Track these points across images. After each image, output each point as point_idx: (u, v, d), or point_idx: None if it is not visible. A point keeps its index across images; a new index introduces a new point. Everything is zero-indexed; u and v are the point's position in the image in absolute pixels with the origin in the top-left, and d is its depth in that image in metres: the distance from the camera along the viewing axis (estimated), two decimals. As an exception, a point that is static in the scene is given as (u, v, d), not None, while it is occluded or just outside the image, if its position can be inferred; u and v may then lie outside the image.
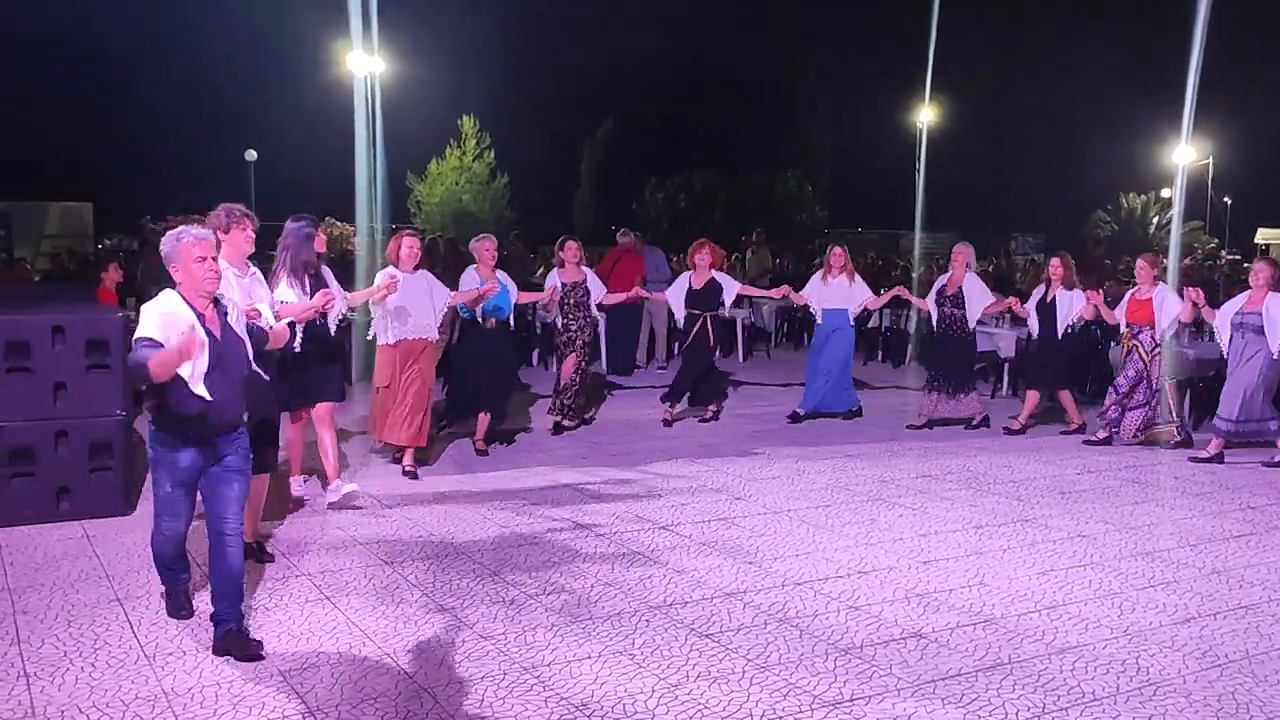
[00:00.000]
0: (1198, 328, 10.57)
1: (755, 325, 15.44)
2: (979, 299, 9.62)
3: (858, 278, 10.10)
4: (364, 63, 19.48)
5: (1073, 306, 9.39)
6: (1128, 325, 9.09)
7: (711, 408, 9.97)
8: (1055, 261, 9.71)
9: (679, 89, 46.69)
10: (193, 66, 39.75)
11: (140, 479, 6.53)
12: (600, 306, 9.41)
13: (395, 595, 5.05)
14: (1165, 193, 43.61)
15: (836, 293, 9.94)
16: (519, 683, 4.12)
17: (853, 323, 10.23)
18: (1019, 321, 11.95)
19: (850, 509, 6.87)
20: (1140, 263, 9.31)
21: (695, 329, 9.61)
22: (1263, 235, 37.71)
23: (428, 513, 6.56)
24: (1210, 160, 41.90)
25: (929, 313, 10.13)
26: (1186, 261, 28.58)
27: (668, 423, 9.60)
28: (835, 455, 8.50)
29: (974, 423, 9.72)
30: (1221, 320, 8.55)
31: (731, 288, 9.75)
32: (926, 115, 28.49)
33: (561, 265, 9.29)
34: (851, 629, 4.75)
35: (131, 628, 4.62)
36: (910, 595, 5.22)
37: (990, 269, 17.81)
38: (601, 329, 10.21)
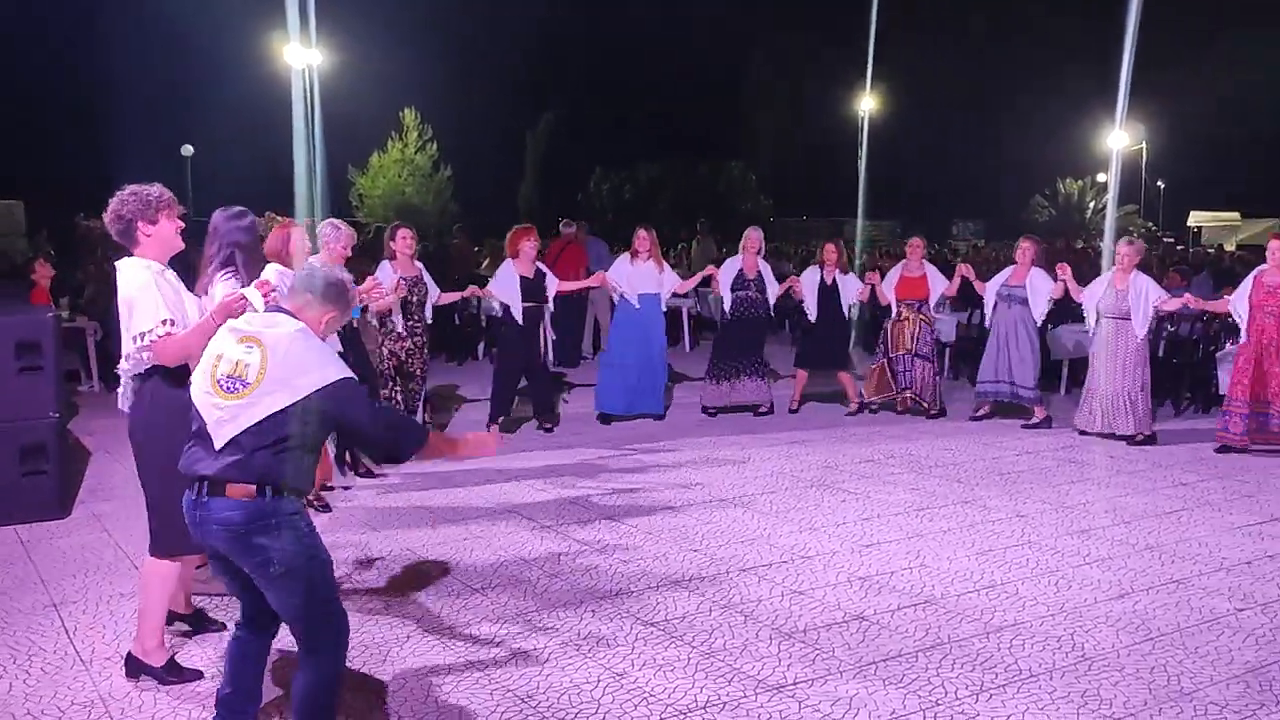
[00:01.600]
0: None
1: (701, 314, 15.51)
2: (772, 286, 9.63)
3: (666, 264, 9.55)
4: (301, 55, 19.20)
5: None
6: (899, 301, 9.55)
7: (546, 424, 9.00)
8: (829, 247, 9.80)
9: (623, 80, 46.72)
10: (125, 61, 38.90)
11: (75, 483, 6.41)
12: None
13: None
14: (1101, 177, 44.41)
15: (646, 277, 9.27)
16: (465, 676, 4.11)
17: (664, 308, 9.63)
18: (961, 306, 12.15)
19: (795, 495, 6.93)
20: (914, 240, 10.03)
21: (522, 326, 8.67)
22: (1194, 217, 38.61)
23: (368, 508, 6.51)
24: (1144, 145, 42.78)
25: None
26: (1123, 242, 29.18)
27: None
28: (781, 443, 8.57)
29: (760, 410, 9.59)
30: (989, 292, 9.41)
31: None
32: (868, 104, 28.72)
33: (393, 257, 7.94)
34: (795, 613, 4.81)
35: (67, 633, 4.54)
36: (853, 578, 5.29)
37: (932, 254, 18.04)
38: (548, 321, 10.06)
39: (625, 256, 9.49)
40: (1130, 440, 8.54)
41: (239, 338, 3.21)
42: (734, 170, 43.55)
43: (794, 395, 9.99)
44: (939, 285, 9.69)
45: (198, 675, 4.09)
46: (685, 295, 13.07)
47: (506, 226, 9.75)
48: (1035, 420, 9.20)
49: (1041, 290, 9.09)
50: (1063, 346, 10.73)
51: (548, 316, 9.21)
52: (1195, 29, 41.17)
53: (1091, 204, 45.97)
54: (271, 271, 6.09)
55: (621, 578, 5.27)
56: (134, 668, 4.07)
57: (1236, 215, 39.37)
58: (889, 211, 39.82)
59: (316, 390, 3.11)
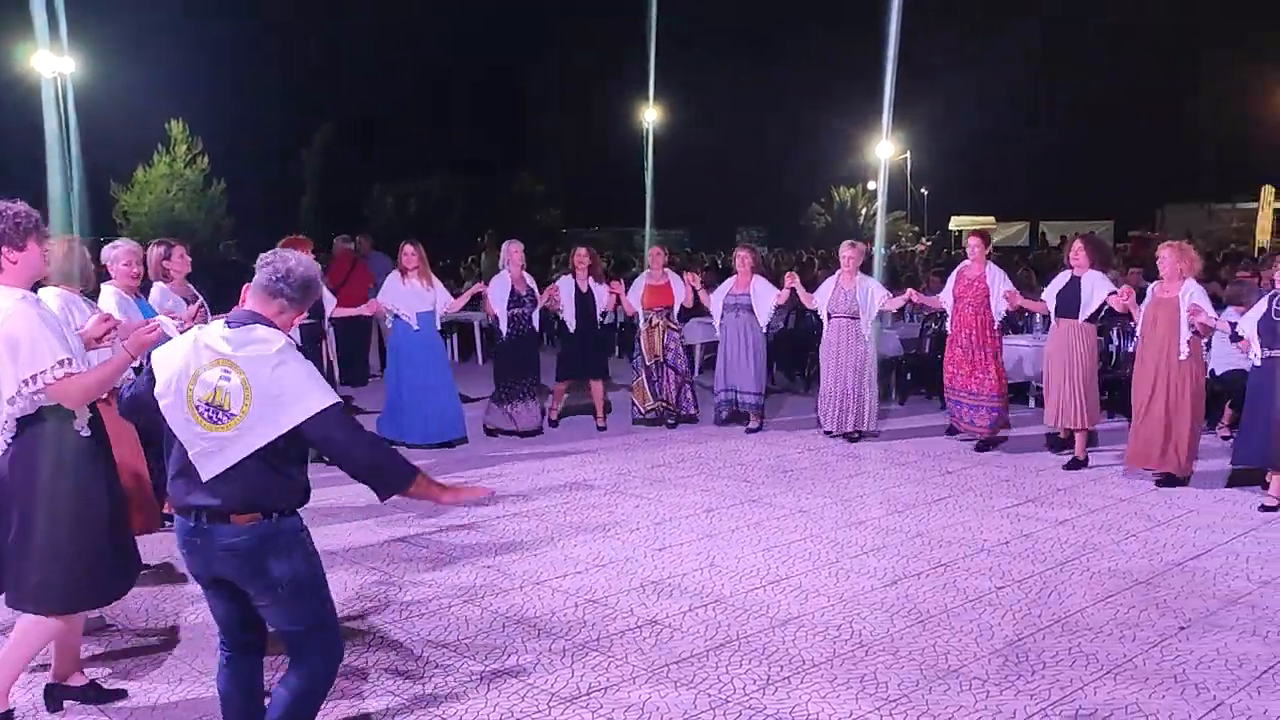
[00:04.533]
0: (901, 311, 11.41)
1: (494, 327, 15.34)
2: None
3: (435, 280, 9.04)
4: (51, 62, 17.87)
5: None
6: (645, 310, 9.64)
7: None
8: (580, 253, 9.80)
9: (406, 90, 45.83)
10: None
11: None
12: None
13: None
14: (872, 185, 46.91)
15: (420, 294, 8.77)
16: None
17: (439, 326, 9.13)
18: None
19: (589, 504, 6.96)
20: (654, 250, 10.13)
21: None
22: (956, 222, 41.31)
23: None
24: (908, 155, 45.50)
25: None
26: (894, 249, 30.88)
27: None
28: (575, 453, 8.59)
29: (526, 430, 9.20)
30: (715, 302, 9.63)
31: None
32: (652, 115, 29.34)
33: (168, 278, 6.96)
34: (589, 622, 4.82)
35: None
36: (645, 583, 5.36)
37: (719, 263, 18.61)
38: (331, 339, 9.61)
39: (395, 275, 8.96)
40: (849, 437, 8.95)
41: (213, 359, 2.99)
42: (523, 181, 43.52)
43: (553, 406, 9.81)
44: (681, 293, 9.77)
45: None
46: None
47: (281, 240, 9.27)
48: (753, 425, 9.42)
49: (764, 297, 9.38)
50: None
51: (331, 335, 8.83)
52: (950, 50, 44.28)
53: (864, 210, 48.48)
54: (109, 297, 5.67)
55: (411, 598, 5.14)
56: None
57: (992, 218, 42.45)
58: (677, 221, 40.76)
59: (304, 421, 2.97)
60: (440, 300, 8.98)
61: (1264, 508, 6.70)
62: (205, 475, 2.98)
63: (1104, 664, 4.31)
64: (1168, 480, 7.29)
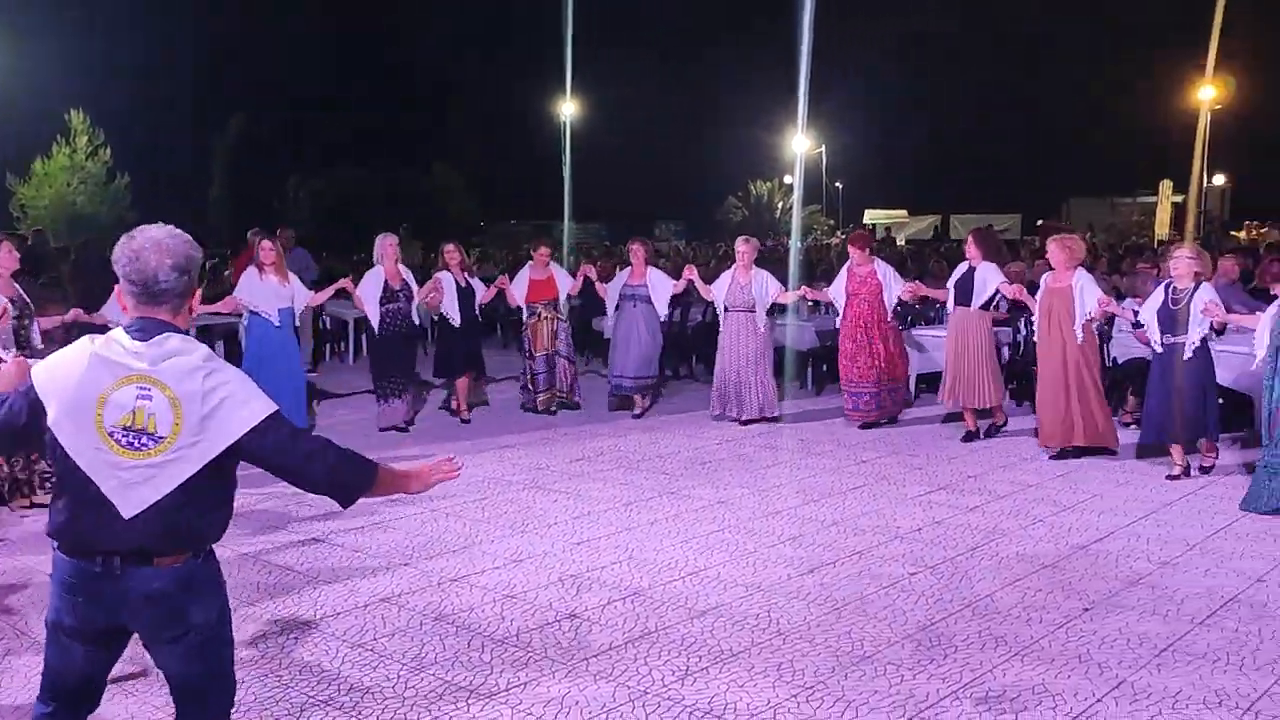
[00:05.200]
0: (817, 304, 11.53)
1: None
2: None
3: (293, 277, 8.84)
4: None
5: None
6: (530, 304, 9.74)
7: None
8: (448, 249, 9.70)
9: (320, 81, 44.99)
10: None
11: None
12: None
13: None
14: (788, 179, 47.47)
15: (278, 291, 8.55)
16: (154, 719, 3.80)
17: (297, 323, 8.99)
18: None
19: (507, 499, 6.92)
20: (537, 243, 10.27)
21: None
22: (869, 215, 42.04)
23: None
24: (823, 149, 46.15)
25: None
26: (809, 241, 31.23)
27: None
28: (491, 447, 8.53)
29: (400, 426, 9.09)
30: (610, 293, 10.01)
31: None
32: (569, 109, 29.24)
33: None
34: (507, 618, 4.79)
35: None
36: (564, 577, 5.35)
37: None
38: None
39: (252, 271, 8.59)
40: (741, 421, 9.25)
41: (124, 376, 2.52)
42: (441, 174, 43.07)
43: (458, 403, 9.64)
44: (566, 284, 9.93)
45: None
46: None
47: (194, 236, 8.95)
48: (637, 412, 9.72)
49: (661, 288, 9.70)
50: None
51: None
52: (861, 50, 45.09)
53: (780, 204, 49.03)
54: None
55: (326, 600, 5.05)
56: None
57: (904, 212, 43.30)
58: (596, 214, 40.77)
59: (244, 434, 2.56)
60: (299, 297, 8.76)
61: (1170, 477, 7.18)
62: (129, 511, 2.52)
63: (1012, 646, 4.42)
64: (1090, 453, 7.78)
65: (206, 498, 2.61)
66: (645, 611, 4.86)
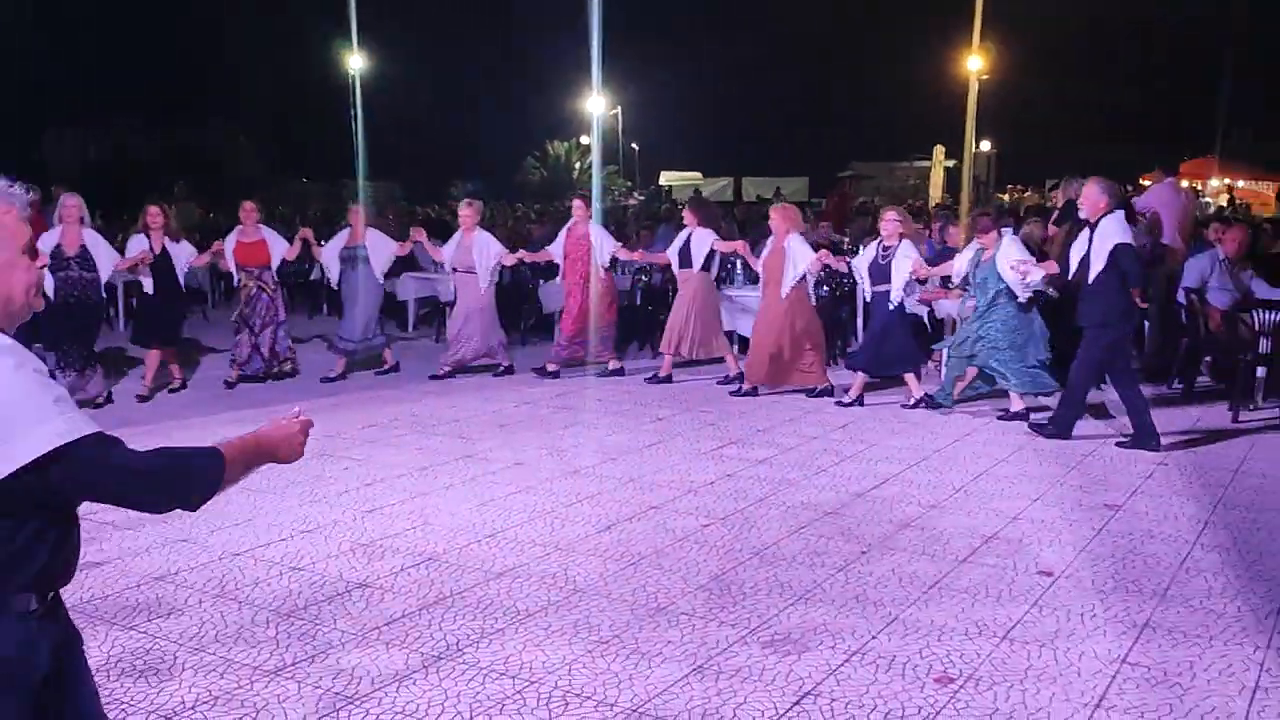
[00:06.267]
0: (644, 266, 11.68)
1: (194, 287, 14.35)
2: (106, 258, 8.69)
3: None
4: None
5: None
6: (242, 268, 9.46)
7: None
8: (152, 211, 9.12)
9: (85, 25, 41.55)
10: None
11: None
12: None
13: None
14: (585, 140, 47.46)
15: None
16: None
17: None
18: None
19: (294, 468, 6.57)
20: (246, 204, 9.68)
21: None
22: (665, 177, 42.61)
23: None
24: (619, 111, 46.33)
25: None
26: (607, 202, 31.37)
27: None
28: (268, 416, 8.17)
29: (99, 401, 8.48)
30: (329, 254, 10.00)
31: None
32: (358, 62, 28.18)
33: None
34: (294, 591, 4.63)
35: None
36: (355, 546, 5.21)
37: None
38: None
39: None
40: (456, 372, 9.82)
41: None
42: (221, 132, 40.69)
43: (160, 377, 9.12)
44: (279, 248, 9.65)
45: None
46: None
47: None
48: (386, 367, 10.09)
49: (380, 249, 9.82)
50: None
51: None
52: (661, 6, 45.49)
53: (579, 164, 49.03)
54: None
55: (96, 583, 4.73)
56: None
57: (699, 174, 44.13)
58: (391, 172, 39.56)
59: (34, 461, 1.91)
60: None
61: (904, 406, 8.33)
62: None
63: (797, 590, 4.62)
64: (811, 392, 8.78)
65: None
66: (440, 576, 4.79)
